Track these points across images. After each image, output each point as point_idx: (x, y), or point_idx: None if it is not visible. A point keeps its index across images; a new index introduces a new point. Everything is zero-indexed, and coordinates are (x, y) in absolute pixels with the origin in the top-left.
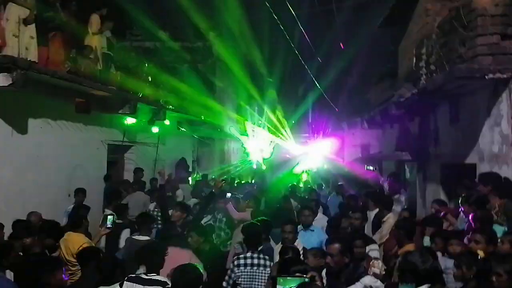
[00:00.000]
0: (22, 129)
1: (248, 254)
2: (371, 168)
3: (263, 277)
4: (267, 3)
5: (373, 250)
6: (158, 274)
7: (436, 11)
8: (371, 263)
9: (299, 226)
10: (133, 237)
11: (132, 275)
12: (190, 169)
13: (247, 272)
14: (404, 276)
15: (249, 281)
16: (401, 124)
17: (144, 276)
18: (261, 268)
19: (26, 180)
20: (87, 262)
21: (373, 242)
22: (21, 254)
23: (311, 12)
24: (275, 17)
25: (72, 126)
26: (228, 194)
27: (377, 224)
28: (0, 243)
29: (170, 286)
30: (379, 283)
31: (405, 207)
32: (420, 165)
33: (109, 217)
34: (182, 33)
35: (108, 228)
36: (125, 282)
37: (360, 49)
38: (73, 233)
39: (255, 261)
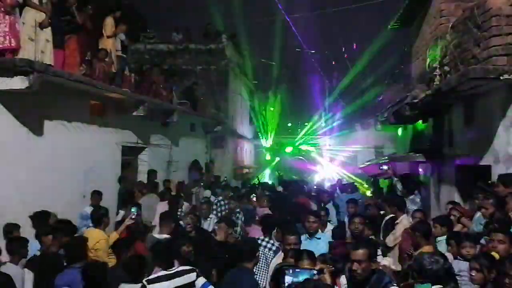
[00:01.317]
0: (38, 131)
1: (266, 239)
2: (385, 168)
3: (270, 258)
4: (280, 6)
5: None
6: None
7: (450, 11)
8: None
9: (303, 235)
10: (154, 235)
11: (151, 277)
12: (203, 171)
13: (261, 253)
14: (412, 276)
15: (262, 260)
16: (415, 125)
17: (166, 272)
18: (266, 250)
19: (41, 181)
20: (119, 251)
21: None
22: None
23: (324, 13)
24: (288, 18)
25: (87, 128)
26: None
27: (388, 227)
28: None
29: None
30: None
31: (420, 208)
32: (434, 166)
33: (132, 208)
34: (195, 35)
35: (132, 219)
36: (147, 286)
37: (373, 50)
38: (94, 229)
39: (268, 244)
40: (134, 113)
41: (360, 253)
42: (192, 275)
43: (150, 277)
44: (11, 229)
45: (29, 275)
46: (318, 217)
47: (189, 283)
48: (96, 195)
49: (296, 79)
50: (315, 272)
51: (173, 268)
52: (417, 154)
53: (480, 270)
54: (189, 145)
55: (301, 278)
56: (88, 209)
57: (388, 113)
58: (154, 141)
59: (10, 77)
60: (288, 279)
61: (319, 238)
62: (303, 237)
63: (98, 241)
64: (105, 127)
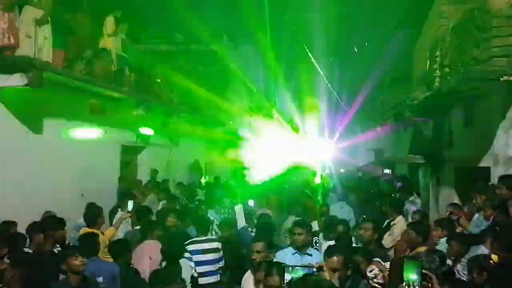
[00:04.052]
0: (37, 129)
1: None
2: (388, 171)
3: None
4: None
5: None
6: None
7: (451, 13)
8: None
9: (289, 249)
10: (135, 228)
11: (188, 241)
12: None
13: None
14: None
15: None
16: (415, 127)
17: (199, 239)
18: None
19: (41, 179)
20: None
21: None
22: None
23: (326, 14)
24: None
25: (87, 127)
26: None
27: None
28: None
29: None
30: None
31: (419, 209)
32: (434, 168)
33: (129, 202)
34: (196, 36)
35: (129, 212)
36: (186, 247)
37: (374, 52)
38: (88, 229)
39: None
40: (134, 113)
41: (334, 260)
42: (218, 244)
43: (188, 241)
44: (9, 227)
45: None
46: (306, 228)
47: (215, 248)
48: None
49: (295, 79)
50: (314, 270)
51: (204, 237)
52: (417, 156)
53: (470, 271)
54: (189, 146)
55: (300, 274)
56: (81, 221)
57: (388, 115)
58: (154, 141)
59: (10, 74)
60: (287, 276)
61: (310, 255)
62: (288, 251)
63: None
64: (104, 126)
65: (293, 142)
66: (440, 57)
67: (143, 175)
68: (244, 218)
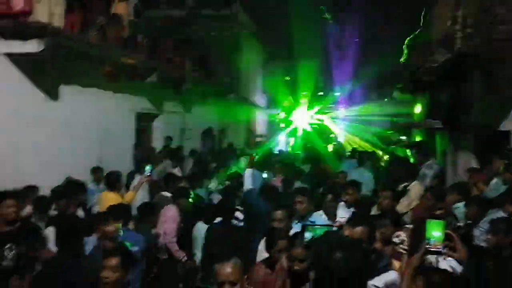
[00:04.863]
0: (54, 96)
1: None
2: (403, 138)
3: None
4: None
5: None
6: None
7: None
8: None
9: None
10: (162, 193)
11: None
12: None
13: None
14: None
15: None
16: (433, 92)
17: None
18: None
19: (59, 145)
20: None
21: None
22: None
23: None
24: None
25: (102, 94)
26: None
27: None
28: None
29: None
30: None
31: (437, 173)
32: (452, 133)
33: (147, 167)
34: (208, 1)
35: (147, 176)
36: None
37: (393, 12)
38: (109, 192)
39: None
40: (148, 79)
41: (357, 230)
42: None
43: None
44: (32, 191)
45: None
46: (307, 195)
47: None
48: (97, 171)
49: (310, 45)
50: (334, 229)
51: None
52: (435, 121)
53: (496, 233)
54: (202, 113)
55: (320, 232)
56: (92, 185)
57: (406, 80)
58: (168, 108)
59: (24, 40)
60: (308, 235)
61: (313, 222)
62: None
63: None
64: (119, 93)
65: (309, 110)
66: (462, 17)
67: (157, 142)
68: (251, 181)
